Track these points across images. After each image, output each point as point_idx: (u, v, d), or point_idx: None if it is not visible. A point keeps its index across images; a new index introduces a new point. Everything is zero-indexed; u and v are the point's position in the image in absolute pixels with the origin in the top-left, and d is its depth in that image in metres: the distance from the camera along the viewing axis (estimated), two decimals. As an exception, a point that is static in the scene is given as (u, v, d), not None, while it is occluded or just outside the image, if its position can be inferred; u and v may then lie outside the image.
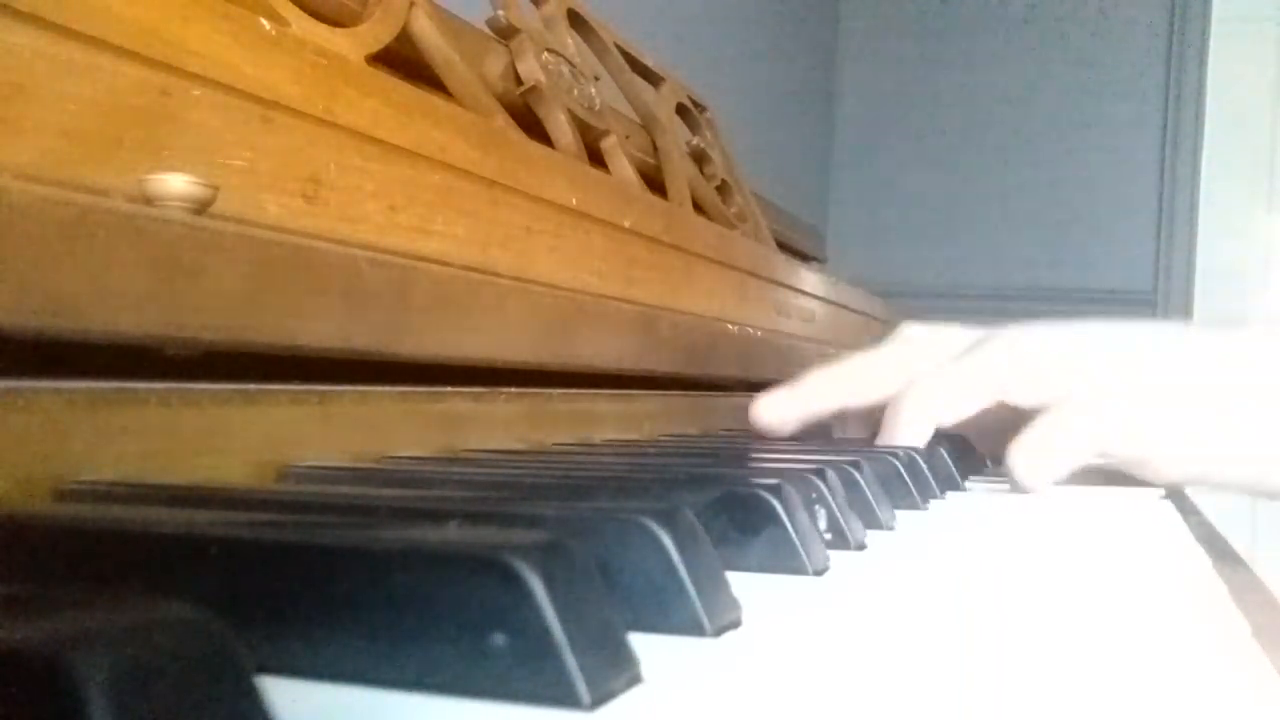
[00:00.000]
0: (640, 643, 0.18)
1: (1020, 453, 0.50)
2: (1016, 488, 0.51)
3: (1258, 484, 0.52)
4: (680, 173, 0.84)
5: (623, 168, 0.72)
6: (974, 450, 0.61)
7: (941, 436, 0.56)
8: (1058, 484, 0.51)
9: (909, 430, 0.53)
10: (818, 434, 0.59)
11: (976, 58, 2.55)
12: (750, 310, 0.84)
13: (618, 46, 0.82)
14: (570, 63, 0.71)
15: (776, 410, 0.57)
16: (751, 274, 0.85)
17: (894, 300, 1.45)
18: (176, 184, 0.30)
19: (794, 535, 0.28)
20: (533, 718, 0.16)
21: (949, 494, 0.49)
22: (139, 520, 0.20)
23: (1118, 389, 0.51)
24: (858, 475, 0.37)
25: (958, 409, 0.53)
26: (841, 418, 0.59)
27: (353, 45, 0.46)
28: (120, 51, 0.31)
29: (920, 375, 0.54)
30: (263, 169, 0.36)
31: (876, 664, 0.20)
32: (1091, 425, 0.51)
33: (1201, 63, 2.40)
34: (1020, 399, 0.52)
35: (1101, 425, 0.51)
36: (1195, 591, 0.28)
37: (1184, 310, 2.38)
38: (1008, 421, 0.52)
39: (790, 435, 0.57)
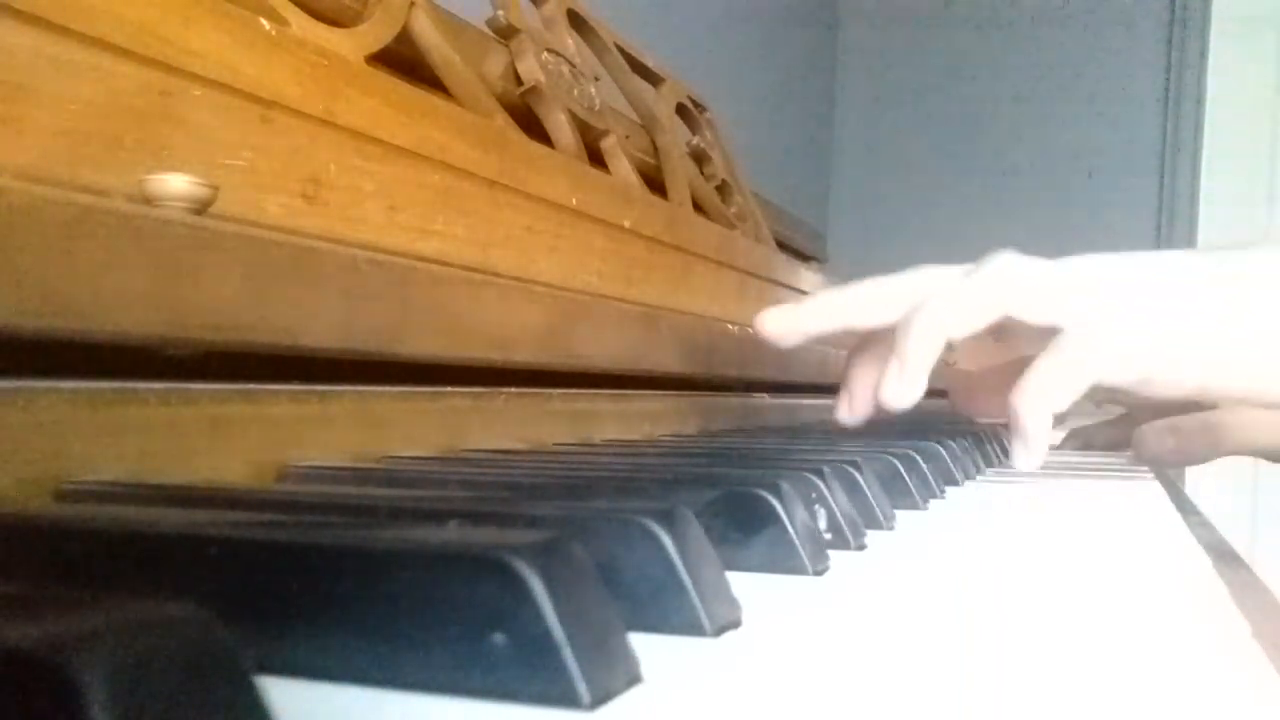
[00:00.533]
0: (640, 642, 0.18)
1: (1022, 395, 0.51)
2: (1019, 430, 0.51)
3: (1261, 393, 0.52)
4: (680, 173, 0.84)
5: (623, 168, 0.72)
6: (974, 450, 0.61)
7: (942, 435, 0.56)
8: (1058, 413, 0.51)
9: (919, 344, 0.52)
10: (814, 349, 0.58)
11: (976, 58, 2.55)
12: (750, 310, 0.84)
13: (618, 46, 0.82)
14: (570, 63, 0.71)
15: (782, 322, 0.57)
16: (751, 274, 0.85)
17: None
18: (177, 184, 0.30)
19: (794, 535, 0.28)
20: (533, 717, 0.16)
21: (949, 493, 0.49)
22: (139, 520, 0.20)
23: (1117, 309, 0.51)
24: (857, 475, 0.37)
25: (966, 323, 0.52)
26: (843, 338, 0.58)
27: (353, 45, 0.46)
28: (121, 52, 0.31)
29: (928, 296, 0.54)
30: (263, 169, 0.36)
31: (876, 664, 0.20)
32: (1088, 358, 0.51)
33: (1201, 63, 2.41)
34: (1025, 314, 0.52)
35: (1099, 355, 0.51)
36: (1195, 591, 0.28)
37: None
38: (992, 383, 0.52)
39: (791, 347, 0.57)
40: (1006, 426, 0.53)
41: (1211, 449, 0.72)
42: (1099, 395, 0.53)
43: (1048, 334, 0.52)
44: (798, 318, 0.57)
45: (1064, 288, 0.52)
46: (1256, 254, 0.52)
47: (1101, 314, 0.51)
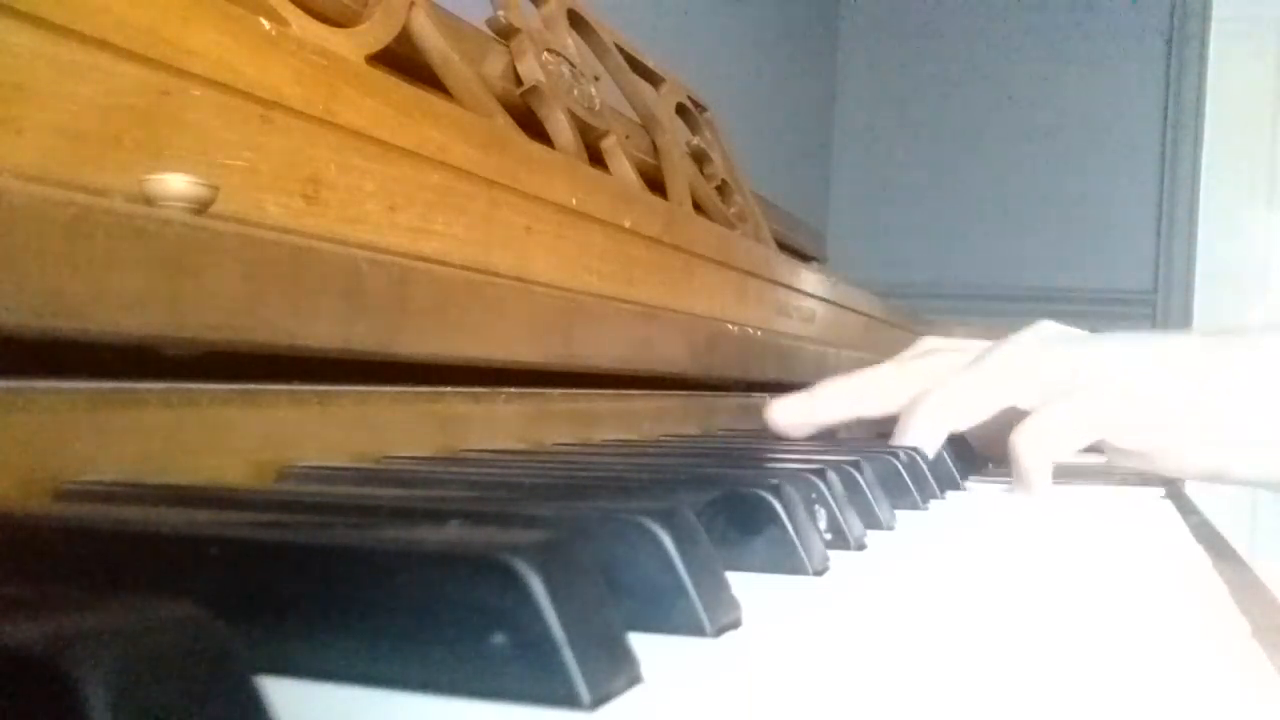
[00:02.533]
0: (640, 643, 0.18)
1: (1023, 434, 0.51)
2: (1019, 472, 0.51)
3: (1267, 478, 0.53)
4: (680, 173, 0.84)
5: (623, 168, 0.72)
6: (974, 450, 0.61)
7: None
8: (1059, 461, 0.51)
9: (920, 438, 0.53)
10: (828, 437, 0.60)
11: (976, 58, 2.55)
12: (750, 310, 0.84)
13: (618, 46, 0.82)
14: (570, 63, 0.71)
15: (790, 415, 0.58)
16: (751, 274, 0.85)
17: (894, 300, 1.45)
18: (177, 184, 0.30)
19: (794, 535, 0.28)
20: (533, 717, 0.16)
21: (949, 494, 0.49)
22: (139, 520, 0.20)
23: (1125, 380, 0.52)
24: (858, 475, 0.37)
25: (968, 416, 0.54)
26: (854, 427, 0.60)
27: (353, 45, 0.46)
28: (120, 51, 0.31)
29: (933, 385, 0.55)
30: (263, 169, 0.36)
31: (876, 665, 0.20)
32: (1095, 406, 0.52)
33: (1201, 63, 2.41)
34: (1030, 402, 0.53)
35: (1106, 406, 0.52)
36: (1195, 591, 0.28)
37: (1184, 310, 2.38)
38: (1013, 423, 0.53)
39: (803, 437, 0.58)
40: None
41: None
42: (1117, 460, 0.55)
43: None
44: (809, 409, 0.58)
45: (1071, 374, 0.53)
46: (1269, 337, 0.53)
47: (1118, 376, 0.52)
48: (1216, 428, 0.52)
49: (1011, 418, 0.53)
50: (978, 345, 0.58)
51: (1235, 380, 0.52)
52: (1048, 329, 0.56)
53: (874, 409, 0.57)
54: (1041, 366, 0.54)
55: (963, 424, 0.54)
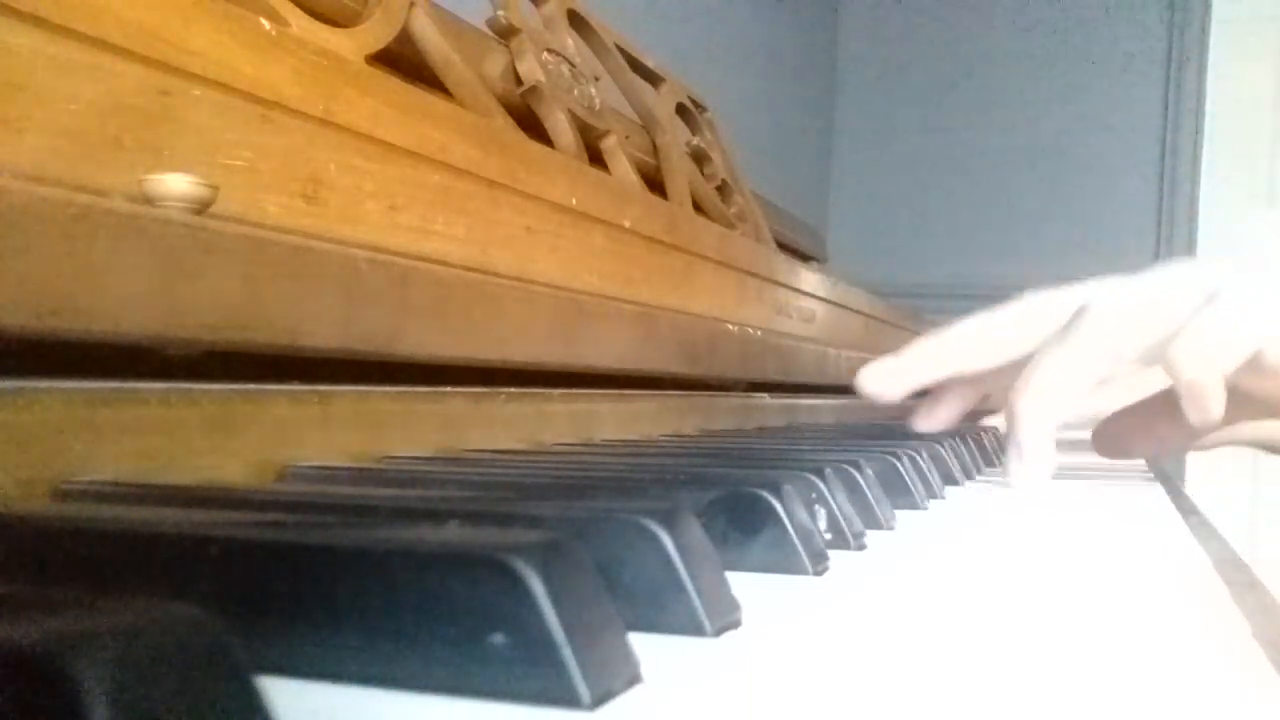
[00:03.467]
0: (640, 642, 0.18)
1: (1022, 396, 0.48)
2: (1015, 440, 0.49)
3: None
4: (680, 173, 0.84)
5: (623, 168, 0.72)
6: (975, 450, 0.61)
7: (943, 436, 0.56)
8: (1219, 382, 0.47)
9: (1034, 432, 0.49)
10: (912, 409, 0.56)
11: (976, 58, 2.55)
12: (750, 310, 0.84)
13: (618, 46, 0.82)
14: (570, 63, 0.71)
15: (883, 378, 0.55)
16: (751, 274, 0.85)
17: (894, 300, 1.45)
18: (177, 184, 0.30)
19: (794, 535, 0.28)
20: (533, 717, 0.16)
21: (949, 493, 0.49)
22: (139, 520, 0.20)
23: (1249, 289, 0.47)
24: (858, 475, 0.37)
25: (1076, 394, 0.49)
26: (949, 386, 0.56)
27: (353, 45, 0.46)
28: (121, 52, 0.31)
29: (1031, 370, 0.50)
30: (263, 169, 0.36)
31: (876, 665, 0.20)
32: (1243, 316, 0.47)
33: (1201, 63, 2.41)
34: (1137, 360, 0.49)
35: (1255, 312, 0.47)
36: (1195, 591, 0.28)
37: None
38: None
39: (897, 403, 0.55)
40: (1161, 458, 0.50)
41: (1224, 435, 0.70)
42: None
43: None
44: (901, 372, 0.54)
45: (1177, 304, 0.48)
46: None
47: (1238, 292, 0.47)
48: None
49: (1130, 418, 0.49)
50: (1073, 294, 0.53)
51: None
52: (1157, 272, 0.51)
53: (973, 366, 0.54)
54: (1144, 321, 0.48)
55: (1071, 407, 0.49)
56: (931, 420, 0.57)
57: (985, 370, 0.54)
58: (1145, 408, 0.56)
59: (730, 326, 0.74)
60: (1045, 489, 0.52)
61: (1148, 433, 0.53)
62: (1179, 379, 0.47)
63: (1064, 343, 0.49)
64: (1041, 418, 0.49)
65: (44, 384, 0.25)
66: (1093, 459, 0.76)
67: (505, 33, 0.65)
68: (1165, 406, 0.51)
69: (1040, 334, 0.51)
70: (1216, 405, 0.47)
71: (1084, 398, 0.49)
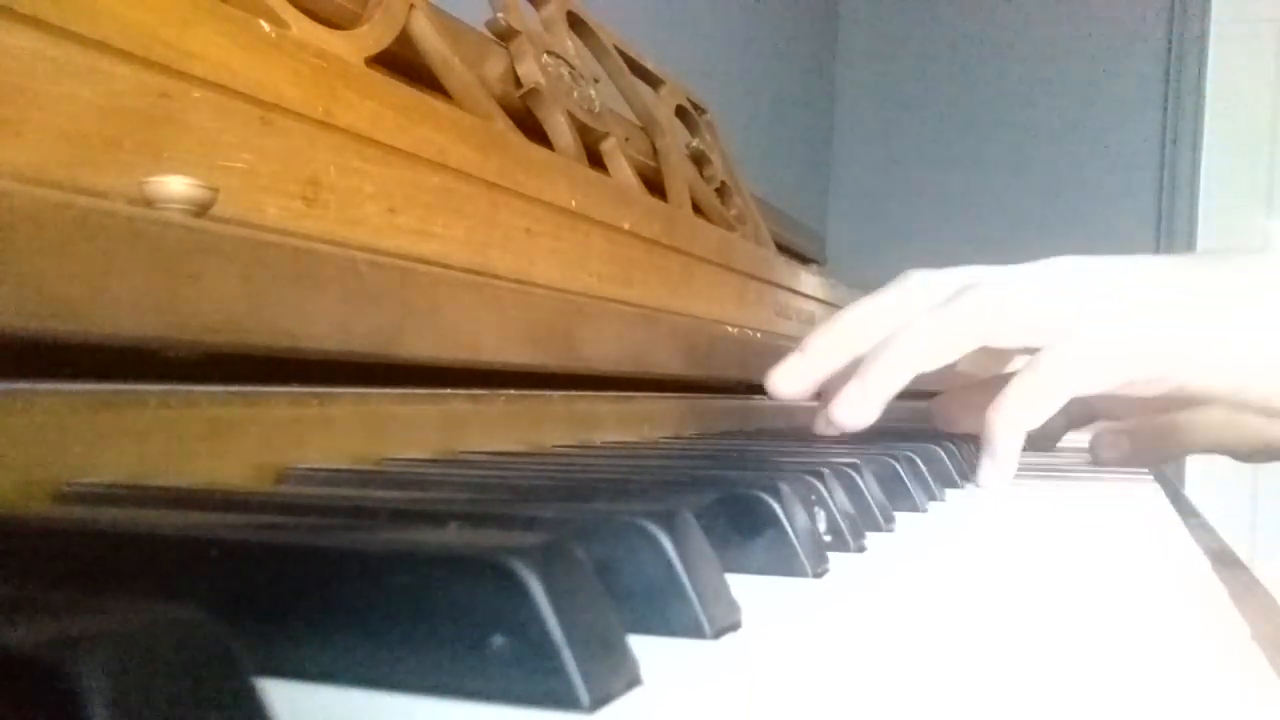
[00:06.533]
0: (639, 645, 0.18)
1: (996, 413, 0.50)
2: (990, 449, 0.51)
3: (1240, 392, 0.51)
4: (680, 175, 0.84)
5: (622, 170, 0.72)
6: (973, 452, 0.61)
7: (942, 438, 0.56)
8: (1034, 428, 0.51)
9: (885, 375, 0.52)
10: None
11: (976, 59, 2.55)
12: (750, 312, 0.84)
13: (617, 48, 0.82)
14: (570, 65, 0.71)
15: (791, 379, 0.57)
16: (751, 276, 0.85)
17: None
18: (176, 186, 0.30)
19: (793, 537, 0.28)
20: (532, 719, 0.16)
21: (948, 495, 0.49)
22: (139, 522, 0.20)
23: (1095, 317, 0.50)
24: (857, 477, 0.37)
25: (938, 357, 0.52)
26: (852, 368, 0.58)
27: (352, 47, 0.46)
28: (120, 54, 0.31)
29: (904, 324, 0.53)
30: (262, 171, 0.36)
31: (876, 667, 0.20)
32: (1066, 372, 0.50)
33: (1201, 63, 2.41)
34: (1002, 341, 0.52)
35: (1076, 368, 0.50)
36: (1194, 593, 0.28)
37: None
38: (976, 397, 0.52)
39: (808, 398, 0.57)
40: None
41: (1173, 449, 0.72)
42: (1074, 403, 0.53)
43: (1031, 350, 0.52)
44: (805, 366, 0.57)
45: (1040, 308, 0.51)
46: (1237, 259, 0.52)
47: (1079, 325, 0.50)
48: (1191, 345, 0.50)
49: (972, 395, 0.52)
50: (957, 274, 0.55)
51: (1215, 301, 0.50)
52: (1054, 265, 0.53)
53: (862, 348, 0.55)
54: (1021, 303, 0.51)
55: (931, 364, 0.52)
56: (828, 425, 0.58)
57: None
58: (983, 389, 0.58)
59: (730, 328, 0.74)
60: (1043, 491, 0.52)
61: (978, 414, 0.55)
62: (986, 442, 0.51)
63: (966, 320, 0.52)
64: (1015, 429, 0.51)
65: (44, 386, 0.25)
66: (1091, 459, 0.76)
67: (505, 35, 0.65)
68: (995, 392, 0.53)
69: (922, 310, 0.53)
70: (1008, 472, 0.51)
71: (1045, 413, 0.51)
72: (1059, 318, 0.51)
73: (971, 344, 0.52)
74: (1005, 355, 0.58)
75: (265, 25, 0.38)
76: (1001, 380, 0.53)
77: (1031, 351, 0.52)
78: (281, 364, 0.32)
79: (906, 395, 0.55)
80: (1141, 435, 0.72)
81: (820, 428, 0.59)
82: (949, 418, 0.66)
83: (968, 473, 0.56)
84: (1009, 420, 0.51)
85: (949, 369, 0.54)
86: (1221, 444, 0.72)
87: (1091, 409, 0.74)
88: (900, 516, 0.39)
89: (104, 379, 0.27)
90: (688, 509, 0.23)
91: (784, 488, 0.29)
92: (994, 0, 2.55)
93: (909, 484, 0.43)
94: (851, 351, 0.56)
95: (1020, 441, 0.51)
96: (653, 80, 0.89)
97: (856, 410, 0.53)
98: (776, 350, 0.82)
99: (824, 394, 0.58)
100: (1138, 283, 0.51)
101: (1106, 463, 0.72)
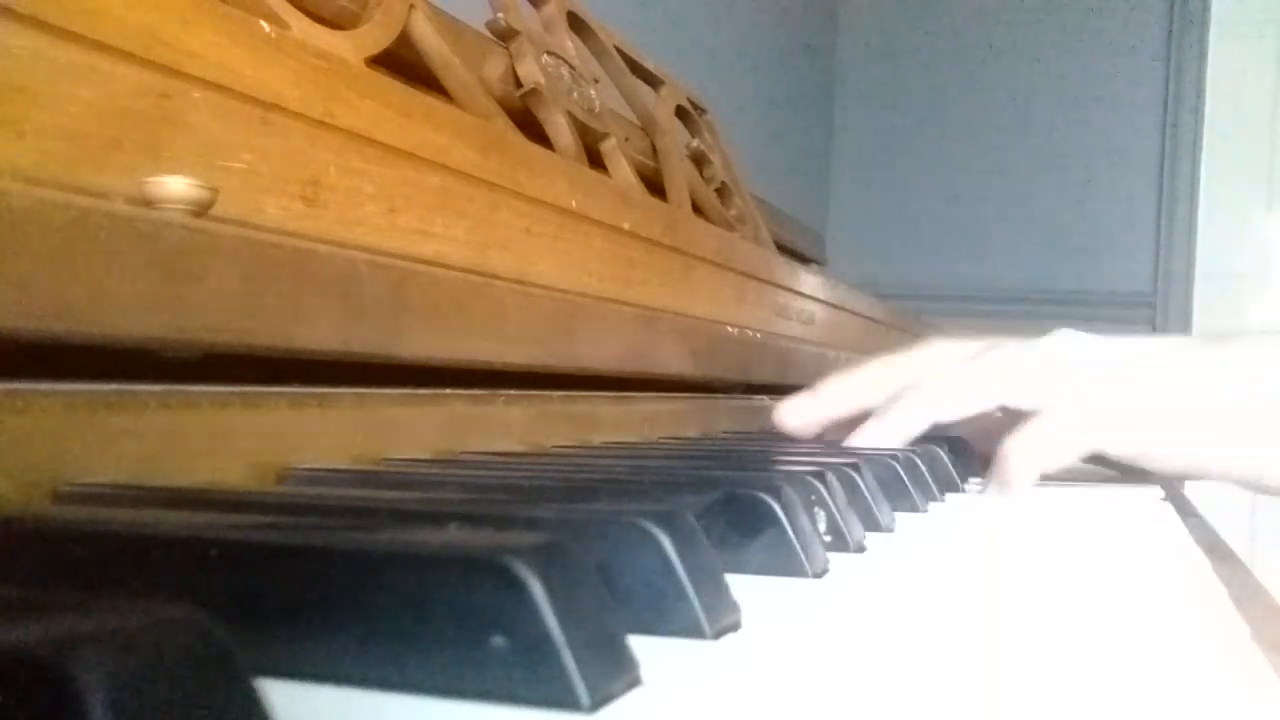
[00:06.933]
0: (640, 645, 0.18)
1: (1012, 446, 0.52)
2: (1002, 477, 0.52)
3: (1256, 479, 0.54)
4: (680, 175, 0.84)
5: (622, 170, 0.72)
6: (973, 453, 0.61)
7: (941, 439, 0.56)
8: (1044, 479, 0.52)
9: (904, 417, 0.54)
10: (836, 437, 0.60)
11: (976, 59, 2.55)
12: (750, 312, 0.84)
13: (617, 49, 0.82)
14: (570, 65, 0.71)
15: (799, 415, 0.59)
16: (751, 276, 0.85)
17: (894, 302, 1.45)
18: (176, 186, 0.30)
19: (793, 537, 0.28)
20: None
21: (948, 496, 0.49)
22: (138, 522, 0.20)
23: (1110, 390, 0.53)
24: (857, 478, 0.37)
25: (955, 409, 0.55)
26: (860, 420, 0.60)
27: (352, 48, 0.46)
28: (120, 54, 0.31)
29: (926, 377, 0.56)
30: (262, 171, 0.36)
31: (875, 667, 0.20)
32: (1082, 421, 0.53)
33: (1201, 64, 2.41)
34: (1017, 402, 0.54)
35: (1092, 420, 0.53)
36: (1194, 594, 0.28)
37: (1184, 311, 2.38)
38: (1007, 426, 0.53)
39: (812, 436, 0.59)
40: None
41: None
42: (1101, 466, 0.56)
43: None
44: (816, 407, 0.59)
45: (1059, 378, 0.54)
46: (1257, 345, 0.55)
47: (1106, 389, 0.53)
48: (1203, 433, 0.53)
49: (1009, 421, 0.54)
50: (981, 344, 0.58)
51: (1230, 390, 0.53)
52: (1063, 340, 0.57)
53: (878, 401, 0.57)
54: (1034, 369, 0.54)
55: (947, 417, 0.55)
56: (801, 418, 0.61)
57: None
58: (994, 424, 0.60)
59: (730, 328, 0.74)
60: (1044, 492, 0.52)
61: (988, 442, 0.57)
62: (1001, 469, 0.52)
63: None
64: (1031, 469, 0.52)
65: (44, 386, 0.25)
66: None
67: (505, 35, 0.65)
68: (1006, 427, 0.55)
69: (927, 377, 0.56)
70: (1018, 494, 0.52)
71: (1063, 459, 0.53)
72: (1081, 384, 0.53)
73: (988, 402, 0.55)
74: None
75: (265, 25, 0.38)
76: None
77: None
78: (281, 364, 0.32)
79: None
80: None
81: (787, 415, 0.60)
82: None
83: (969, 474, 0.56)
84: (1029, 454, 0.52)
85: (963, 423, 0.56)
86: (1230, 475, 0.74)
87: None
88: (900, 517, 0.39)
89: (104, 379, 0.27)
90: (688, 509, 0.23)
91: (784, 488, 0.29)
92: (994, 1, 2.55)
93: (909, 485, 0.43)
94: (862, 401, 0.58)
95: (1035, 477, 0.52)
96: (653, 80, 0.89)
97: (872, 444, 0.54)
98: (777, 350, 0.82)
99: (826, 436, 0.60)
100: (1157, 364, 0.54)
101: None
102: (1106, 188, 2.46)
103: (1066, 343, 0.56)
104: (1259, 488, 0.54)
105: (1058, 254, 2.45)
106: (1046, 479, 0.52)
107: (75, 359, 0.26)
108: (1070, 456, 0.52)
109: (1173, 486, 0.60)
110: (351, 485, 0.32)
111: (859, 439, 0.55)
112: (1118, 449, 0.53)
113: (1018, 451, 0.51)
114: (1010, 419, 0.54)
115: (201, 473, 0.29)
